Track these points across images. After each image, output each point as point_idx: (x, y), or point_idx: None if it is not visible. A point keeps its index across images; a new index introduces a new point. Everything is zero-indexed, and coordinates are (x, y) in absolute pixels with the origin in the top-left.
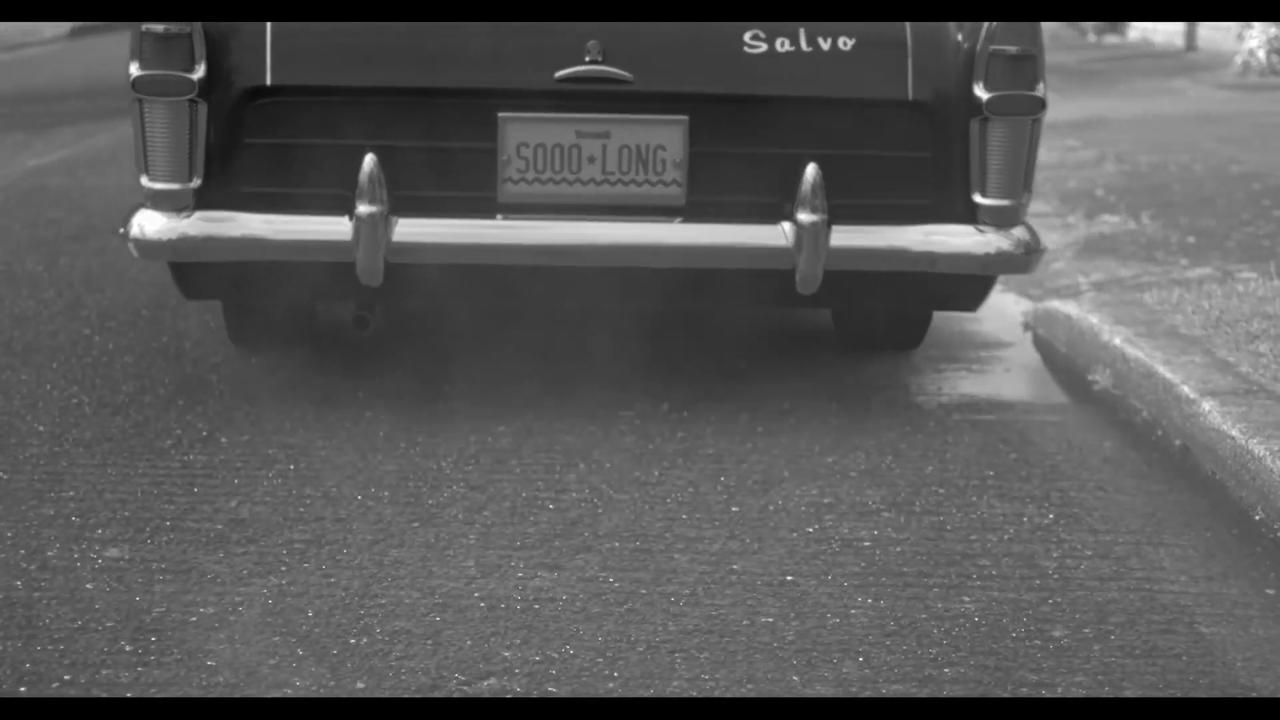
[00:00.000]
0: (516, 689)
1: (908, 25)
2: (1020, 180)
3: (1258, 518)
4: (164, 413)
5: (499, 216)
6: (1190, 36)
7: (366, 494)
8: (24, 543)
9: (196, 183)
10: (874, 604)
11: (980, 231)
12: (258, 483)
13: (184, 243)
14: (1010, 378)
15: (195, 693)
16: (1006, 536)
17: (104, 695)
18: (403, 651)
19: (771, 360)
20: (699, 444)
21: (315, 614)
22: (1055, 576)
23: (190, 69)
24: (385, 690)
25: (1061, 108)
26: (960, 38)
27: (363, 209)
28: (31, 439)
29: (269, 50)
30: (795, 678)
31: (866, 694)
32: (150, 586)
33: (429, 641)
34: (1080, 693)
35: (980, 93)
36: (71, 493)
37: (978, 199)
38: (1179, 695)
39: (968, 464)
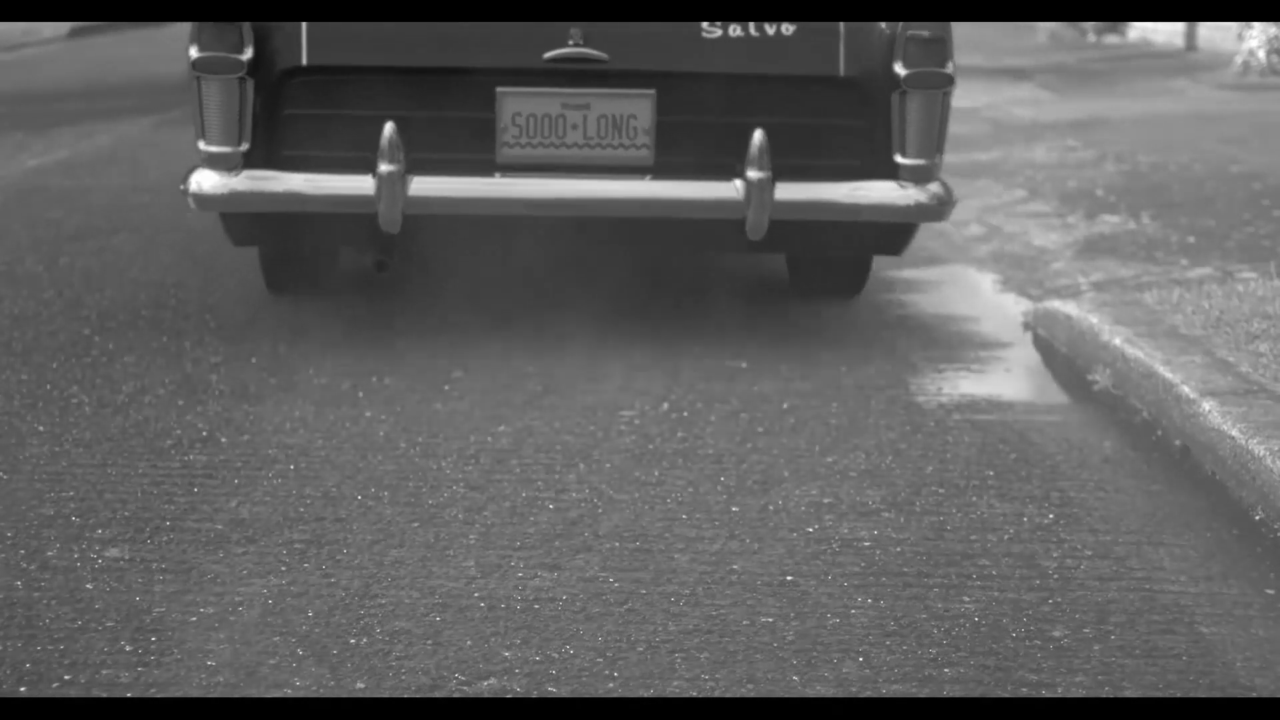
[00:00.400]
0: (516, 689)
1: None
2: (934, 143)
3: (1258, 518)
4: (164, 413)
5: (497, 175)
6: (1190, 36)
7: (366, 494)
8: (24, 543)
9: (245, 146)
10: (874, 604)
11: (901, 186)
12: (258, 483)
13: (234, 197)
14: (1010, 378)
15: (195, 693)
16: (1006, 536)
17: (104, 695)
18: (403, 651)
19: (771, 360)
20: (699, 444)
21: (315, 614)
22: (1055, 576)
23: (240, 52)
24: (385, 690)
25: (1061, 108)
26: (884, 25)
27: (383, 168)
28: (31, 439)
29: (304, 37)
30: (795, 678)
31: (866, 694)
32: (150, 586)
33: (429, 641)
34: (1080, 693)
35: (899, 70)
36: (71, 493)
37: (898, 159)
38: (1179, 695)
39: (968, 464)
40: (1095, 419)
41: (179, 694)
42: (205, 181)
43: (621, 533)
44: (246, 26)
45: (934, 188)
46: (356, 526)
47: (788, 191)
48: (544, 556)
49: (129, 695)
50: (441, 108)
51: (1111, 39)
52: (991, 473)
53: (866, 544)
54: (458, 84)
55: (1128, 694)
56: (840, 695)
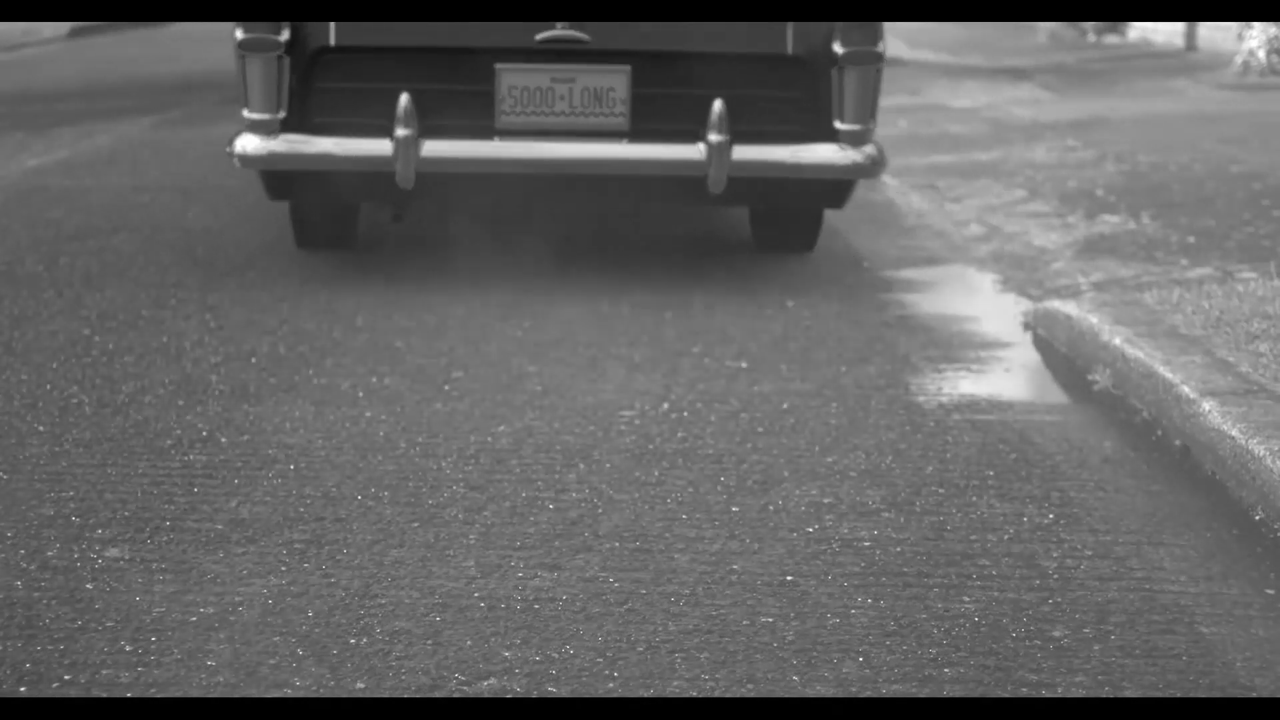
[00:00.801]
0: (516, 689)
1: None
2: (868, 111)
3: (1258, 518)
4: (164, 413)
5: (496, 139)
6: (1190, 36)
7: (366, 494)
8: (24, 543)
9: (282, 114)
10: (874, 604)
11: (841, 148)
12: (258, 483)
13: (273, 157)
14: (1010, 378)
15: (195, 693)
16: (1006, 536)
17: (104, 695)
18: (403, 651)
19: (771, 360)
20: (699, 444)
21: (315, 614)
22: (1055, 576)
23: (278, 33)
24: (385, 690)
25: (1061, 108)
26: None
27: (400, 133)
28: (31, 439)
29: (332, 21)
30: (795, 678)
31: (866, 694)
32: (150, 586)
33: (429, 641)
34: (1080, 693)
35: (838, 49)
36: (71, 493)
37: (837, 125)
38: (1179, 695)
39: (968, 464)
40: (1095, 419)
41: (179, 694)
42: (248, 144)
43: (621, 533)
44: None
45: (869, 149)
46: (356, 526)
47: (743, 153)
48: (544, 556)
49: (129, 695)
50: (449, 81)
51: (1111, 39)
52: (991, 473)
53: (866, 544)
54: (463, 61)
55: (1128, 694)
56: (840, 695)
